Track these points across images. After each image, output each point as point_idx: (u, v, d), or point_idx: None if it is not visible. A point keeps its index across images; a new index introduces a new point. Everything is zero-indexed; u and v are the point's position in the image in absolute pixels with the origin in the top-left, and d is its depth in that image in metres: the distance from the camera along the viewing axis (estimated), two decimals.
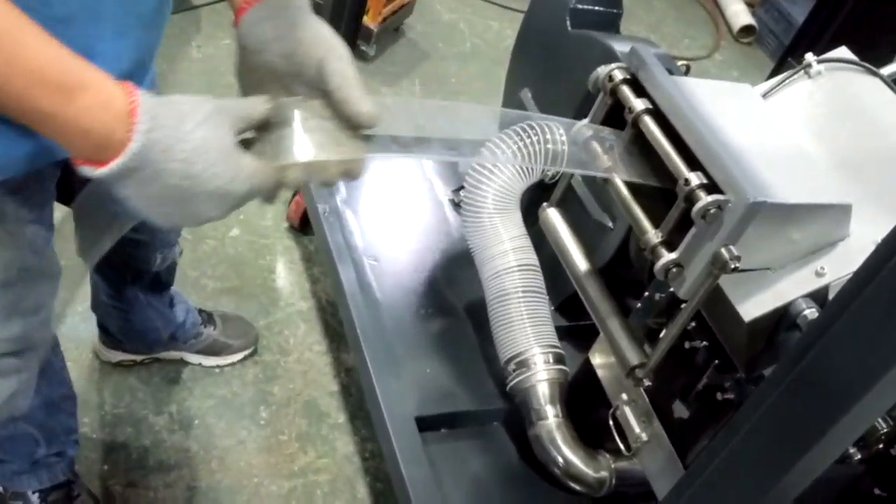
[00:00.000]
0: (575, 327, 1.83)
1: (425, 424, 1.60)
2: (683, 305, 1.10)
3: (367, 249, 1.88)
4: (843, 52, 1.25)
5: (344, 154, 0.83)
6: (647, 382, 1.22)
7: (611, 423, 1.53)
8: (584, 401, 1.67)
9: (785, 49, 3.02)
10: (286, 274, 2.09)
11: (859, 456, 1.38)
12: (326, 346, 1.96)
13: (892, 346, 0.72)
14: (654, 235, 1.04)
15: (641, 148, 1.09)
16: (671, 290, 1.34)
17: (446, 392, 1.69)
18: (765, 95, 1.23)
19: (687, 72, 1.54)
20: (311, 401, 1.84)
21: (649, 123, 1.05)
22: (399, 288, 1.85)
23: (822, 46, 1.37)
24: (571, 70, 1.76)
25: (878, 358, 0.73)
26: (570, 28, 1.81)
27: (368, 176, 1.92)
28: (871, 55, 1.39)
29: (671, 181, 1.02)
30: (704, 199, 0.95)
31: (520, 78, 2.00)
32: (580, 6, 1.82)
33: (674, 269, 1.01)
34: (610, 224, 1.69)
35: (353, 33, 1.92)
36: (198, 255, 2.03)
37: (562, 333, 1.66)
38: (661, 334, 1.17)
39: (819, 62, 1.24)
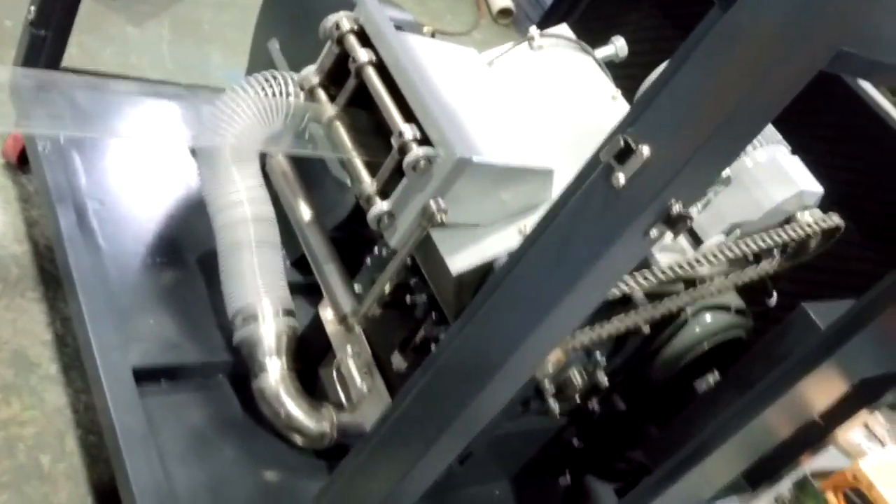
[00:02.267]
0: (312, 283, 1.83)
1: (144, 376, 1.53)
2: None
3: (91, 191, 1.76)
4: (563, 29, 1.34)
5: None
6: (357, 329, 1.24)
7: (334, 375, 1.55)
8: (314, 355, 1.68)
9: None
10: None
11: (558, 409, 1.50)
12: (42, 293, 1.82)
13: (550, 296, 0.78)
14: (369, 185, 1.06)
15: (364, 100, 1.11)
16: None
17: (170, 344, 1.62)
18: (490, 63, 1.29)
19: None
20: (20, 350, 1.70)
21: (371, 75, 1.07)
22: (126, 234, 1.75)
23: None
24: (319, 24, 1.75)
25: (539, 306, 0.79)
26: None
27: (98, 113, 1.80)
28: (608, 39, 1.50)
29: (390, 134, 1.04)
30: (415, 151, 0.98)
31: (269, 28, 1.95)
32: None
33: (386, 219, 1.04)
34: (348, 181, 1.70)
35: None
36: None
37: (297, 289, 1.65)
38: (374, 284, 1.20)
39: (542, 36, 1.32)
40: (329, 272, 1.27)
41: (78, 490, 1.57)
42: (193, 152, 1.94)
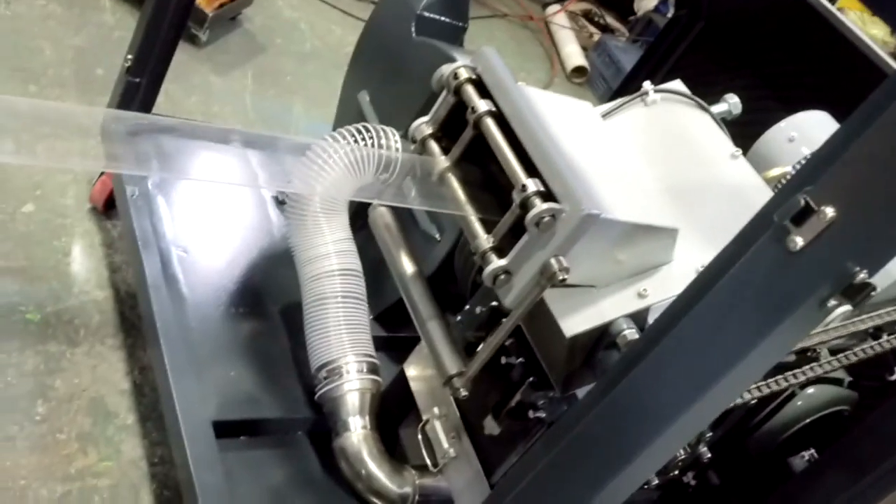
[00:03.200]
0: (394, 338, 1.78)
1: (224, 430, 1.49)
2: (506, 317, 1.07)
3: (176, 239, 1.75)
4: (678, 85, 1.29)
5: None
6: (464, 392, 1.18)
7: (419, 437, 1.48)
8: (395, 414, 1.62)
9: (612, 92, 3.14)
10: (83, 259, 1.90)
11: (657, 481, 1.41)
12: (122, 340, 1.80)
13: (707, 373, 0.71)
14: (485, 240, 1.01)
15: (479, 152, 1.06)
16: (493, 304, 1.32)
17: (250, 397, 1.58)
18: (603, 116, 1.24)
19: None
20: (99, 398, 1.67)
21: (491, 126, 1.02)
22: (209, 284, 1.73)
23: None
24: (412, 76, 1.73)
25: (693, 383, 0.72)
26: (414, 35, 1.78)
27: (186, 161, 1.80)
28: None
29: (507, 188, 0.99)
30: (539, 206, 0.92)
31: (359, 80, 1.94)
32: (427, 14, 1.79)
33: (502, 276, 0.98)
34: (437, 235, 1.66)
35: (184, 14, 1.78)
36: None
37: (379, 344, 1.60)
38: (481, 346, 1.14)
39: (656, 91, 1.27)
40: (433, 329, 1.21)
41: None
42: (280, 203, 1.92)
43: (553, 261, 0.94)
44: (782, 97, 2.30)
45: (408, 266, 1.29)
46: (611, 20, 4.34)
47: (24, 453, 1.53)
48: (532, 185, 0.94)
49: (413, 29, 1.78)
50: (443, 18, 1.80)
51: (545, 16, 4.18)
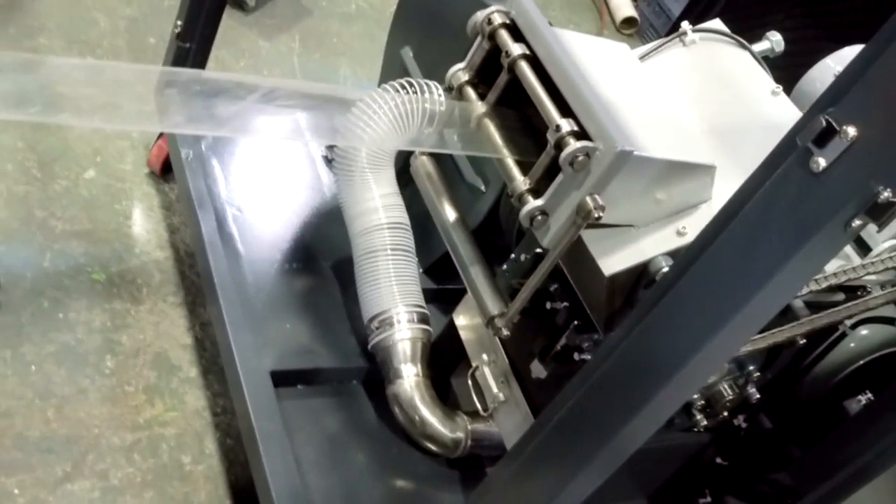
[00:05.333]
0: (443, 290, 1.82)
1: (281, 380, 1.55)
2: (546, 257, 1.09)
3: (230, 199, 1.80)
4: (717, 24, 1.28)
5: None
6: (505, 332, 1.20)
7: (469, 383, 1.52)
8: (446, 362, 1.66)
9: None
10: (143, 221, 1.97)
11: (706, 423, 1.42)
12: (182, 297, 1.87)
13: (735, 297, 0.72)
14: (521, 182, 1.02)
15: (515, 96, 1.07)
16: (537, 250, 1.34)
17: (305, 348, 1.64)
18: (641, 58, 1.24)
19: None
20: (162, 353, 1.75)
21: (525, 69, 1.03)
22: (263, 241, 1.78)
23: None
24: (454, 29, 1.73)
25: (722, 308, 0.73)
26: None
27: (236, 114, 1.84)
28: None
29: (543, 130, 1.00)
30: (573, 145, 0.94)
31: (402, 36, 1.95)
32: None
33: (539, 217, 1.00)
34: (482, 187, 1.68)
35: None
36: (47, 195, 1.89)
37: (429, 296, 1.64)
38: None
39: (694, 31, 1.26)
40: (475, 274, 1.24)
41: (217, 491, 1.60)
42: (329, 161, 1.96)
43: (588, 199, 0.95)
44: (836, 36, 2.25)
45: (449, 212, 1.31)
46: None
47: (96, 404, 1.62)
48: (566, 125, 0.96)
49: None
50: None
51: None
